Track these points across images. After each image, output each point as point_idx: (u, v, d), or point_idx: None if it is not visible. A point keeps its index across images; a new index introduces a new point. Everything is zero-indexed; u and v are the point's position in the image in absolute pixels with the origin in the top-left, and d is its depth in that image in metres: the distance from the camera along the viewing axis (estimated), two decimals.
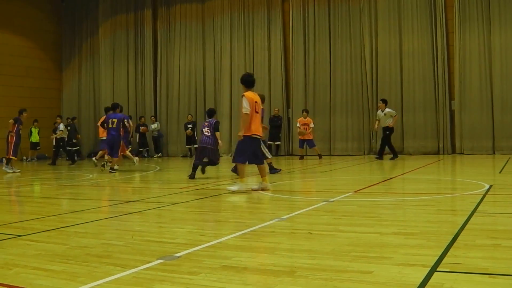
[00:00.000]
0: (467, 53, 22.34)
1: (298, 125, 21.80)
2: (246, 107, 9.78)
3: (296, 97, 25.23)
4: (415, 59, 23.13)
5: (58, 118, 24.58)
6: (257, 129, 10.01)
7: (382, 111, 19.91)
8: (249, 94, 10.06)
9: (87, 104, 31.22)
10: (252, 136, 9.95)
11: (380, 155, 20.13)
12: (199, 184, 11.86)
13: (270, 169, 13.88)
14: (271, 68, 26.06)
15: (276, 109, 25.03)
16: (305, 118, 21.81)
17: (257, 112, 9.98)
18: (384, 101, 20.28)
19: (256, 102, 9.99)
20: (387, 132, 19.86)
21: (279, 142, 24.89)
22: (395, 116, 20.14)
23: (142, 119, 28.04)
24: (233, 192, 9.84)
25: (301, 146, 22.25)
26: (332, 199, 8.58)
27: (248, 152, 9.96)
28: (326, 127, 24.57)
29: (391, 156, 19.99)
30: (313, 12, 25.17)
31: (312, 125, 21.75)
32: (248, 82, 10.25)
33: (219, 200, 9.28)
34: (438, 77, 22.73)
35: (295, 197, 9.74)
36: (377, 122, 20.31)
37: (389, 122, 19.81)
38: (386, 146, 20.05)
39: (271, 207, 8.36)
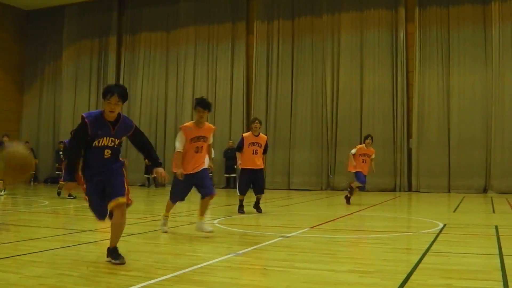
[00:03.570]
0: (426, 93, 22.90)
1: (353, 151, 15.78)
2: None
3: None
4: (375, 97, 23.54)
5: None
6: None
7: None
8: None
9: (47, 129, 30.83)
10: None
11: None
12: (156, 215, 11.79)
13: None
14: (233, 99, 26.20)
15: (230, 141, 25.13)
16: (367, 146, 15.85)
17: None
18: None
19: None
20: None
21: (234, 175, 24.77)
22: None
23: None
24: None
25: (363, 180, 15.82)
26: (288, 235, 8.62)
27: None
28: (285, 161, 24.68)
29: None
30: (277, 46, 25.53)
31: (373, 156, 16.06)
32: None
33: (176, 232, 9.24)
34: (397, 115, 23.17)
35: (252, 231, 9.75)
36: None
37: None
38: None
39: (228, 241, 8.35)
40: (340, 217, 12.13)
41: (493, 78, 21.94)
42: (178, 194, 9.04)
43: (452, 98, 22.58)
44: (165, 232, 8.97)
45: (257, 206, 13.12)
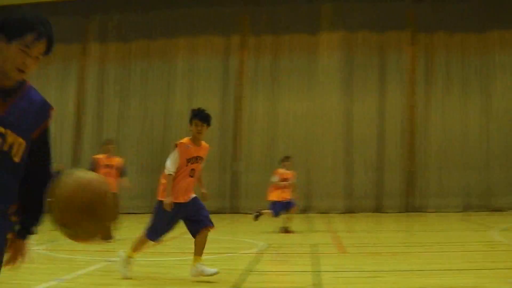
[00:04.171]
0: (253, 118, 23.66)
1: (276, 179, 14.40)
2: None
3: (85, 153, 24.62)
4: None
5: None
6: None
7: None
8: None
9: None
10: None
11: None
12: None
13: None
14: (64, 123, 25.25)
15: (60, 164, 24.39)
16: (288, 169, 14.64)
17: None
18: None
19: None
20: None
21: None
22: None
23: None
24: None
25: (278, 211, 14.30)
26: (114, 259, 8.57)
27: None
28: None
29: None
30: (112, 69, 25.09)
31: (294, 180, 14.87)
32: None
33: None
34: (226, 138, 23.67)
35: (75, 256, 9.57)
36: None
37: None
38: None
39: (51, 267, 8.18)
40: (165, 240, 12.21)
41: (317, 104, 23.26)
42: (161, 228, 7.37)
43: (279, 123, 23.54)
44: (127, 278, 6.89)
45: None
